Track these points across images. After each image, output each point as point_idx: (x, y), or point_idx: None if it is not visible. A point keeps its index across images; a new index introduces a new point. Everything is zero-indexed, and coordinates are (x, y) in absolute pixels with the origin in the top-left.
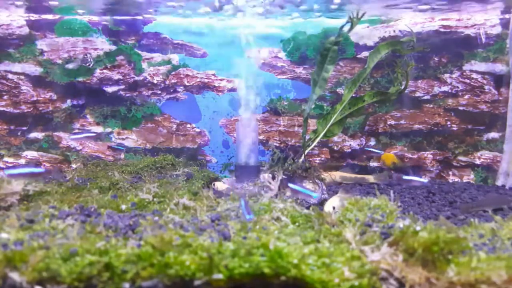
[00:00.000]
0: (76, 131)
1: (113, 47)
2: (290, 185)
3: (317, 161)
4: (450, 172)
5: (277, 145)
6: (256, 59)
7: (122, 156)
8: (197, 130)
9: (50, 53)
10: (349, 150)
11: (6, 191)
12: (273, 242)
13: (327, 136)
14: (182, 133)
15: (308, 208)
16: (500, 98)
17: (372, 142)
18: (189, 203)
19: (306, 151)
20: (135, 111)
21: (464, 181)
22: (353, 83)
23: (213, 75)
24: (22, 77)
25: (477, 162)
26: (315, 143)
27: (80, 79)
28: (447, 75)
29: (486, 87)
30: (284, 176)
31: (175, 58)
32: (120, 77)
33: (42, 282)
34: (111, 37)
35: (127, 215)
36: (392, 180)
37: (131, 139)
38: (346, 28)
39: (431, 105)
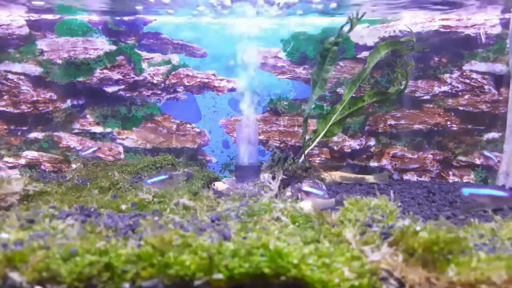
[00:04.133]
0: (88, 144)
1: (113, 47)
2: (305, 188)
3: (317, 161)
4: (450, 172)
5: (277, 145)
6: (256, 59)
7: (122, 156)
8: (197, 130)
9: (50, 53)
10: (349, 150)
11: (6, 191)
12: (273, 242)
13: (327, 136)
14: (182, 133)
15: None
16: (500, 98)
17: (372, 142)
18: (189, 203)
19: (306, 151)
20: (135, 111)
21: (464, 181)
22: (353, 83)
23: (213, 75)
24: (22, 77)
25: (477, 162)
26: (315, 143)
27: (80, 79)
28: (447, 75)
29: (486, 87)
30: (284, 176)
31: (175, 58)
32: (120, 77)
33: (42, 282)
34: (111, 37)
35: (127, 215)
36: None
37: (131, 139)
38: (346, 28)
39: (431, 105)
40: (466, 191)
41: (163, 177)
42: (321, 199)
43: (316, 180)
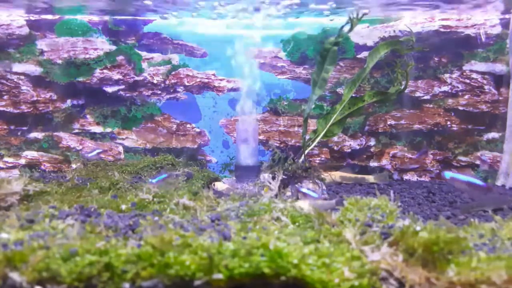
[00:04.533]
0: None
1: (113, 47)
2: (302, 189)
3: (317, 161)
4: None
5: (277, 145)
6: (256, 59)
7: (122, 156)
8: (197, 130)
9: (50, 53)
10: (349, 150)
11: (6, 191)
12: (273, 242)
13: (327, 136)
14: (182, 133)
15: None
16: (500, 98)
17: (372, 142)
18: (189, 203)
19: (306, 151)
20: (135, 111)
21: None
22: (353, 83)
23: (213, 75)
24: (22, 77)
25: (477, 162)
26: (315, 143)
27: (80, 79)
28: (447, 75)
29: (486, 87)
30: (284, 176)
31: (175, 58)
32: (120, 77)
33: (42, 282)
34: (111, 37)
35: (127, 215)
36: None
37: (131, 139)
38: (346, 29)
39: (431, 105)
40: (448, 174)
41: (164, 175)
42: (320, 200)
43: (316, 180)
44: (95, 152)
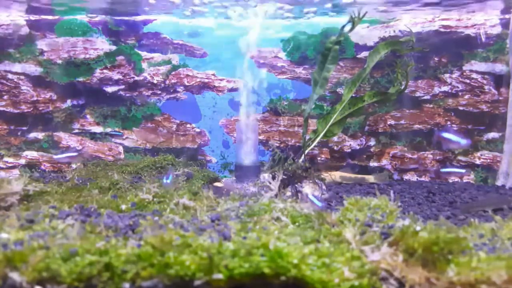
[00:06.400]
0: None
1: (113, 47)
2: (310, 197)
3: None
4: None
5: (277, 145)
6: (256, 59)
7: (122, 156)
8: (197, 130)
9: (50, 53)
10: (349, 150)
11: (6, 191)
12: (273, 242)
13: (327, 136)
14: (182, 133)
15: None
16: (500, 98)
17: (372, 142)
18: (189, 203)
19: (306, 151)
20: (135, 111)
21: (464, 181)
22: (353, 83)
23: (213, 75)
24: (22, 77)
25: (477, 162)
26: (315, 143)
27: (80, 79)
28: (447, 75)
29: (486, 87)
30: (284, 176)
31: (175, 58)
32: (120, 77)
33: (42, 282)
34: (111, 37)
35: (127, 215)
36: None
37: (131, 139)
38: (347, 28)
39: (431, 105)
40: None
41: (171, 174)
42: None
43: (316, 180)
44: (64, 155)
